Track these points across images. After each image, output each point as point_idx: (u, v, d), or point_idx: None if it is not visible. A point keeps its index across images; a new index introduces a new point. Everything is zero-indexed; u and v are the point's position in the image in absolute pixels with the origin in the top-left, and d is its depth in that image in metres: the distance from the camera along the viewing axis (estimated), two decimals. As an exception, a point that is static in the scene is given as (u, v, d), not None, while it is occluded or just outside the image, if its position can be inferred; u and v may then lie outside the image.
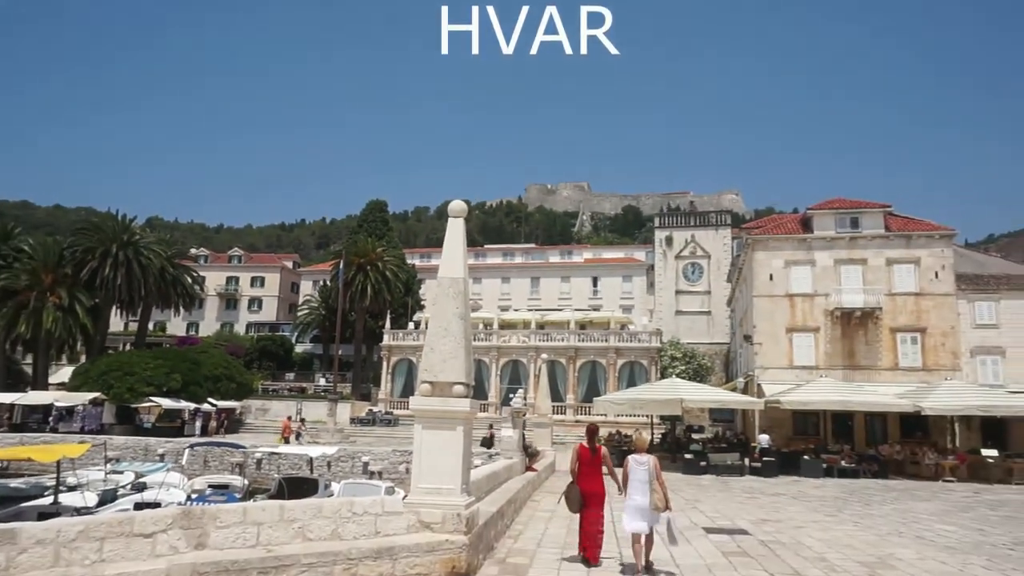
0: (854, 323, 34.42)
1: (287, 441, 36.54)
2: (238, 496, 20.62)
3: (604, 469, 9.84)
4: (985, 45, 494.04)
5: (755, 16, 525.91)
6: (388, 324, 54.90)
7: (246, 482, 23.90)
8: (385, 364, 53.62)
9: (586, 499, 9.51)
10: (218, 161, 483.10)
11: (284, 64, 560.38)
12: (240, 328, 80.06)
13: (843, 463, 27.12)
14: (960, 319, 33.76)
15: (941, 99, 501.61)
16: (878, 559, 10.72)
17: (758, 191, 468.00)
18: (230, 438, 39.04)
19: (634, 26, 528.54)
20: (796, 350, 34.95)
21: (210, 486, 22.58)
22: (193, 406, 43.94)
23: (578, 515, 9.74)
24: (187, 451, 31.18)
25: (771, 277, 35.72)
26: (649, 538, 9.11)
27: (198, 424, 43.51)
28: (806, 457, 27.58)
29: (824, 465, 26.83)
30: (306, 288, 80.00)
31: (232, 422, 48.04)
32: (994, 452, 28.07)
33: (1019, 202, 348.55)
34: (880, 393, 30.00)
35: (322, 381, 60.71)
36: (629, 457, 9.46)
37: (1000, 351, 33.42)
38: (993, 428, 31.93)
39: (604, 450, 9.98)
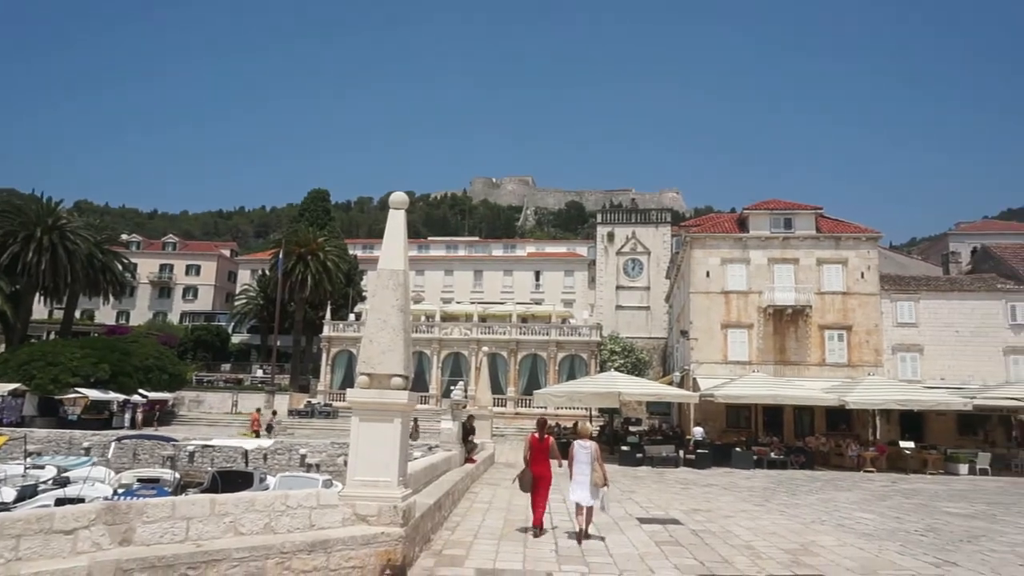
0: (785, 320, 35.61)
1: (257, 435, 35.32)
2: (168, 490, 20.05)
3: (552, 456, 11.63)
4: (913, 50, 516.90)
5: (697, 19, 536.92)
6: (328, 315, 54.01)
7: (177, 476, 23.23)
8: (325, 355, 52.82)
9: (536, 481, 11.39)
10: (153, 146, 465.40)
11: (224, 48, 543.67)
12: (174, 317, 77.63)
13: (772, 455, 28.08)
14: (883, 318, 35.32)
15: (870, 106, 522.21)
16: (801, 546, 11.18)
17: (698, 191, 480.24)
18: (162, 431, 37.82)
19: (578, 28, 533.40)
20: (731, 345, 35.94)
21: (139, 480, 21.83)
22: (122, 398, 42.36)
23: (528, 494, 11.59)
24: (114, 444, 30.08)
25: (708, 274, 36.62)
26: (590, 510, 10.98)
27: (127, 416, 41.96)
28: (738, 449, 28.45)
29: (755, 457, 27.71)
30: (244, 277, 77.98)
31: (164, 414, 46.54)
32: (911, 444, 29.55)
33: (939, 207, 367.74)
34: (808, 387, 31.04)
35: (259, 372, 59.41)
36: (575, 442, 11.27)
37: (919, 348, 35.16)
38: (911, 421, 33.62)
39: (551, 440, 11.81)
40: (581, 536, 10.84)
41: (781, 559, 10.15)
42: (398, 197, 8.73)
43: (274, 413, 42.79)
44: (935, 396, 29.10)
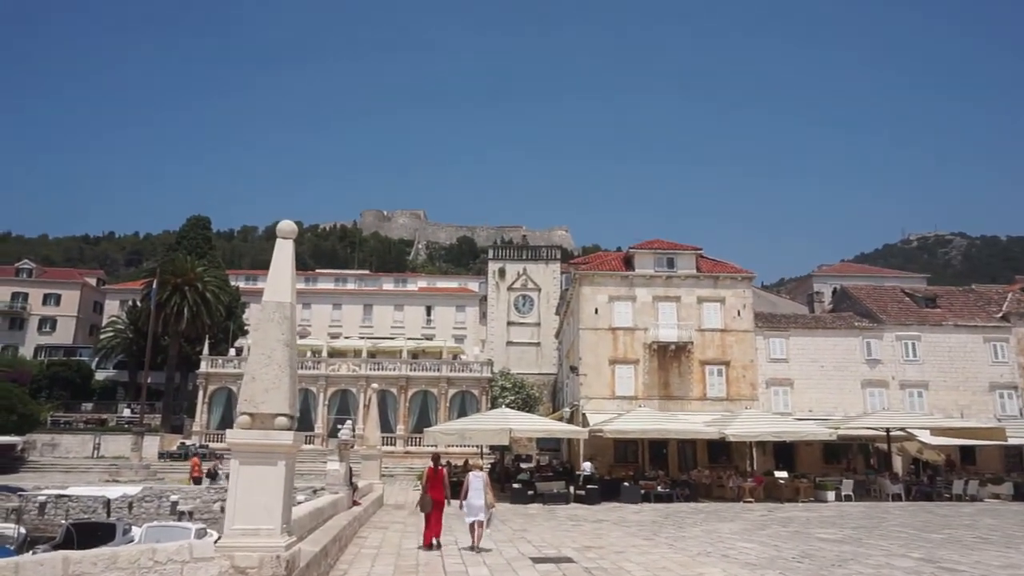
0: (669, 356, 37.04)
1: (197, 482, 32.05)
2: (11, 548, 17.92)
3: (444, 485, 14.78)
4: (781, 96, 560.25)
5: (592, 62, 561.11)
6: (206, 350, 51.03)
7: (23, 531, 20.87)
8: (201, 393, 49.67)
9: (433, 503, 14.35)
10: (9, 161, 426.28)
11: (94, 61, 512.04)
12: (27, 351, 70.63)
13: (659, 488, 28.77)
14: (757, 353, 37.46)
15: (738, 148, 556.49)
16: (690, 579, 11.37)
17: (586, 229, 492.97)
18: (8, 479, 34.03)
19: (465, 62, 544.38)
20: (618, 381, 36.90)
21: (-26, 537, 19.46)
22: (-39, 442, 37.97)
23: (424, 515, 14.50)
24: (-52, 496, 26.69)
25: (596, 311, 37.60)
26: (482, 526, 13.98)
27: (-34, 463, 37.59)
28: (626, 484, 28.93)
29: (642, 491, 28.25)
30: (112, 308, 72.46)
31: (11, 460, 42.03)
32: (784, 474, 31.20)
33: (804, 249, 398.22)
34: (691, 421, 32.21)
35: (127, 412, 54.87)
36: (469, 473, 14.53)
37: (790, 382, 37.49)
38: (783, 451, 35.61)
39: (444, 471, 15.32)
40: (475, 548, 13.78)
41: (672, 593, 10.24)
42: (286, 226, 8.34)
43: (220, 458, 37.21)
44: (805, 427, 30.95)
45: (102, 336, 64.66)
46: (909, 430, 32.37)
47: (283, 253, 8.25)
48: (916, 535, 17.82)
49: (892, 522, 21.03)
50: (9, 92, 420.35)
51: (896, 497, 29.35)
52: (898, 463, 36.19)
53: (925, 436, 32.98)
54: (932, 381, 37.97)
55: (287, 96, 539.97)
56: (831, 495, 29.24)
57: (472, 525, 13.87)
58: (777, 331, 38.08)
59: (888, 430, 31.48)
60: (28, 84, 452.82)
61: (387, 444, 40.45)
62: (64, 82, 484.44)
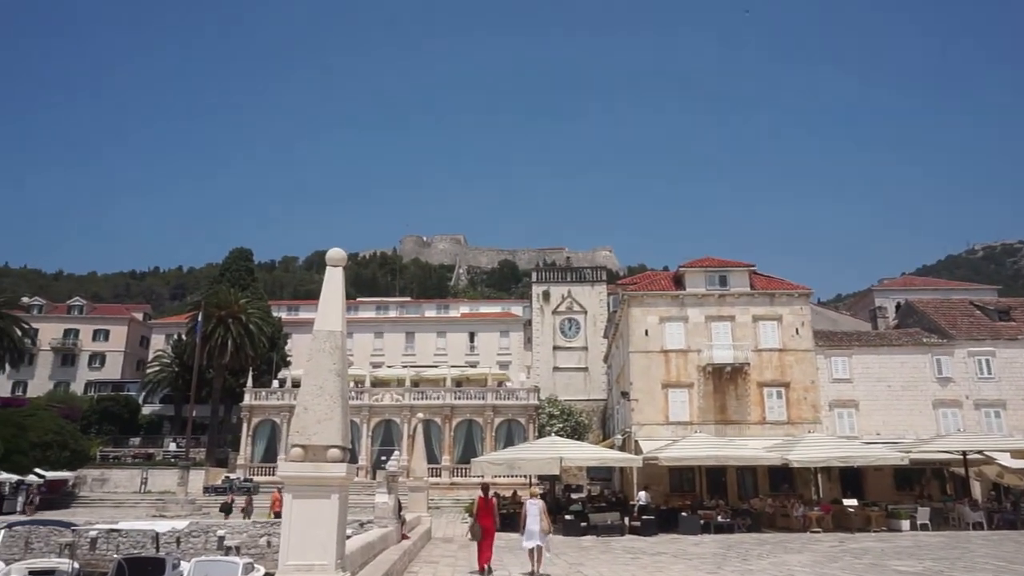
0: (725, 378, 35.56)
1: (278, 516, 32.15)
2: (64, 583, 17.56)
3: (494, 514, 15.79)
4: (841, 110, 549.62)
5: (631, 76, 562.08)
6: (250, 382, 50.97)
7: (76, 566, 20.65)
8: (245, 426, 49.50)
9: (483, 531, 15.16)
10: (56, 201, 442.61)
11: (140, 95, 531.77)
12: (78, 387, 72.00)
13: (719, 518, 27.35)
14: (819, 373, 35.76)
15: (793, 167, 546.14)
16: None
17: (629, 249, 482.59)
18: (61, 514, 34.10)
19: (495, 80, 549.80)
20: (672, 405, 35.51)
21: (31, 573, 19.34)
22: (15, 478, 38.28)
23: (476, 543, 15.40)
24: (3, 532, 26.61)
25: (647, 333, 36.40)
26: (540, 550, 14.70)
27: (20, 500, 37.83)
28: (684, 514, 27.54)
29: (701, 521, 26.89)
30: (158, 343, 73.52)
31: (64, 495, 42.28)
32: (854, 501, 29.40)
33: (860, 264, 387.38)
34: (750, 447, 30.68)
35: (172, 446, 55.13)
36: (526, 500, 15.39)
37: (854, 404, 35.59)
38: (851, 477, 33.68)
39: (494, 501, 16.31)
40: (535, 575, 14.43)
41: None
42: (336, 253, 8.18)
43: (249, 492, 38.97)
44: (873, 452, 29.19)
45: (148, 370, 65.52)
46: (987, 453, 30.31)
47: (333, 281, 8.20)
48: (1005, 567, 16.67)
49: (976, 553, 19.61)
50: (52, 128, 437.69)
51: (977, 526, 27.41)
52: (977, 489, 33.99)
53: (1005, 459, 30.81)
54: (1010, 400, 35.67)
55: (322, 124, 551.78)
56: (905, 524, 27.44)
57: (531, 551, 14.51)
58: (839, 349, 36.33)
59: (964, 453, 29.56)
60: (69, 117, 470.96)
61: (433, 475, 39.65)
62: (112, 118, 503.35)
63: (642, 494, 29.92)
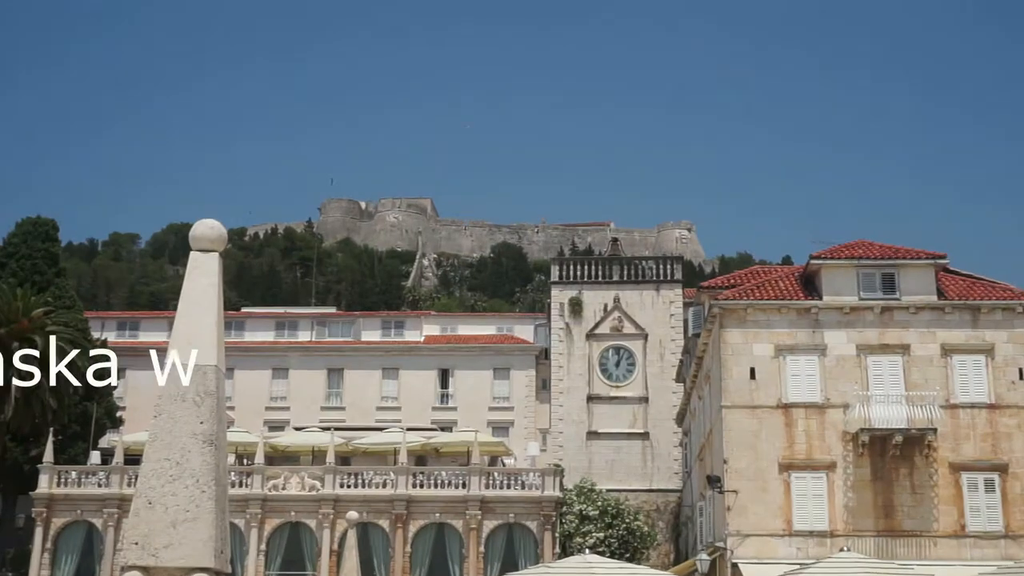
0: (892, 455, 25.16)
1: None
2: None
3: None
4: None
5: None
6: (49, 454, 34.39)
7: None
8: (39, 533, 33.27)
9: None
10: None
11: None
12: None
13: None
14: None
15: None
16: None
17: (722, 229, 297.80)
18: None
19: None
20: (797, 502, 24.91)
21: None
22: None
23: None
24: None
25: (752, 373, 25.66)
26: None
27: None
28: None
29: None
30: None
31: None
32: None
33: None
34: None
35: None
36: None
37: None
38: None
39: None
40: None
41: None
42: (207, 230, 5.02)
43: None
44: None
45: None
46: None
47: (202, 277, 5.17)
48: None
49: None
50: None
51: None
52: None
53: None
54: None
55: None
56: None
57: None
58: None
59: None
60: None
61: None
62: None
63: None
